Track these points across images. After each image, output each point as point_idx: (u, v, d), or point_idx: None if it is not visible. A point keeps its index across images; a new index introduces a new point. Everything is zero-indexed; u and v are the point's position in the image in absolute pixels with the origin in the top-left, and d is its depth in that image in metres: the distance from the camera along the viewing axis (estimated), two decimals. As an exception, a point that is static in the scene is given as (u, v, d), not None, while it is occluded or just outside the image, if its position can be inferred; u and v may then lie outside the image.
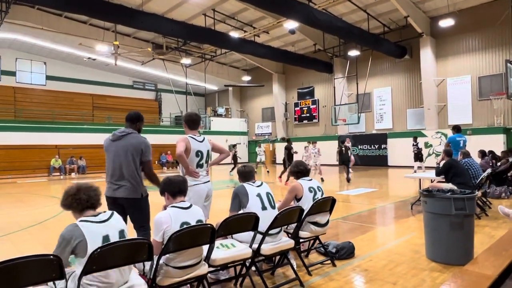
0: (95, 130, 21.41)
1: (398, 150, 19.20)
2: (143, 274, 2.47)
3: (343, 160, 12.59)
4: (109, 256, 2.01)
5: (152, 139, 24.23)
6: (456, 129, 8.53)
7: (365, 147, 20.76)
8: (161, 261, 2.44)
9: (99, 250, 1.96)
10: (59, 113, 22.12)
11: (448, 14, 16.71)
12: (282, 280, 3.42)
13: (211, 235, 2.58)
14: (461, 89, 17.34)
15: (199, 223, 2.59)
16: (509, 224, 5.13)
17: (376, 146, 20.16)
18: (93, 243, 2.05)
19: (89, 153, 20.59)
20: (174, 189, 2.66)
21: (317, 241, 3.98)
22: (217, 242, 3.11)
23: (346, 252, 4.07)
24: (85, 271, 1.98)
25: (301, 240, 3.84)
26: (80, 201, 2.22)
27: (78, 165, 19.99)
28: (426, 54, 17.80)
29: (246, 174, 3.50)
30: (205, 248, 2.71)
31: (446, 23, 15.79)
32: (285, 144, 13.28)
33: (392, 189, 10.94)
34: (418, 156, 15.02)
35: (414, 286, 3.24)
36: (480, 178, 6.26)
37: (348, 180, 12.21)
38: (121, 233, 2.22)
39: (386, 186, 11.48)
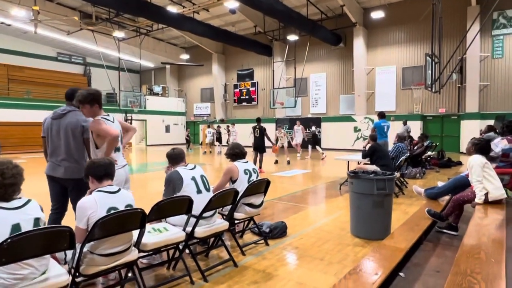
0: (10, 105, 19.10)
1: (331, 134, 20.33)
2: (64, 264, 2.30)
3: (316, 142, 15.71)
4: (21, 247, 1.81)
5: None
6: (381, 115, 9.25)
7: (300, 130, 21.53)
8: (85, 249, 2.29)
9: (8, 240, 1.76)
10: (-36, 84, 19.30)
11: (379, 7, 17.79)
12: (216, 261, 3.45)
13: (142, 220, 2.48)
14: (387, 78, 18.78)
15: (128, 208, 2.47)
16: (421, 201, 5.75)
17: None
18: (0, 233, 1.84)
19: (4, 131, 18.36)
20: (100, 172, 2.48)
21: (252, 222, 4.07)
22: (149, 226, 3.01)
23: (279, 231, 4.23)
24: (-8, 264, 1.77)
25: (236, 221, 3.88)
26: None
27: (-9, 144, 17.76)
28: (359, 44, 18.85)
29: (176, 157, 3.40)
30: (136, 232, 2.60)
31: (377, 15, 16.82)
32: (255, 124, 10.96)
33: (324, 170, 11.59)
34: (315, 140, 15.49)
35: (339, 260, 3.49)
36: (399, 161, 6.90)
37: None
38: (36, 221, 2.01)
39: (318, 168, 12.11)
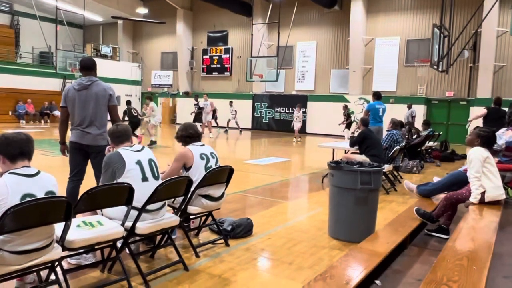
0: None
1: (318, 116, 20.53)
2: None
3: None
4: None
5: (5, 80, 21.60)
6: (376, 96, 9.45)
7: (282, 110, 21.70)
8: (-8, 245, 2.27)
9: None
10: None
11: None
12: (163, 263, 3.49)
13: (66, 211, 2.47)
14: (389, 51, 19.07)
15: (50, 195, 2.45)
16: (416, 199, 5.99)
17: (295, 110, 21.15)
18: None
19: None
20: (13, 151, 2.43)
21: (210, 218, 4.12)
22: (79, 219, 3.01)
23: (242, 230, 4.30)
24: None
25: (191, 217, 3.92)
26: None
27: None
28: (357, 7, 18.95)
29: (120, 134, 3.38)
30: (61, 226, 2.60)
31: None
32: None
33: (307, 159, 11.81)
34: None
35: (310, 265, 3.61)
36: (393, 151, 7.12)
37: None
38: None
39: (300, 156, 12.33)
